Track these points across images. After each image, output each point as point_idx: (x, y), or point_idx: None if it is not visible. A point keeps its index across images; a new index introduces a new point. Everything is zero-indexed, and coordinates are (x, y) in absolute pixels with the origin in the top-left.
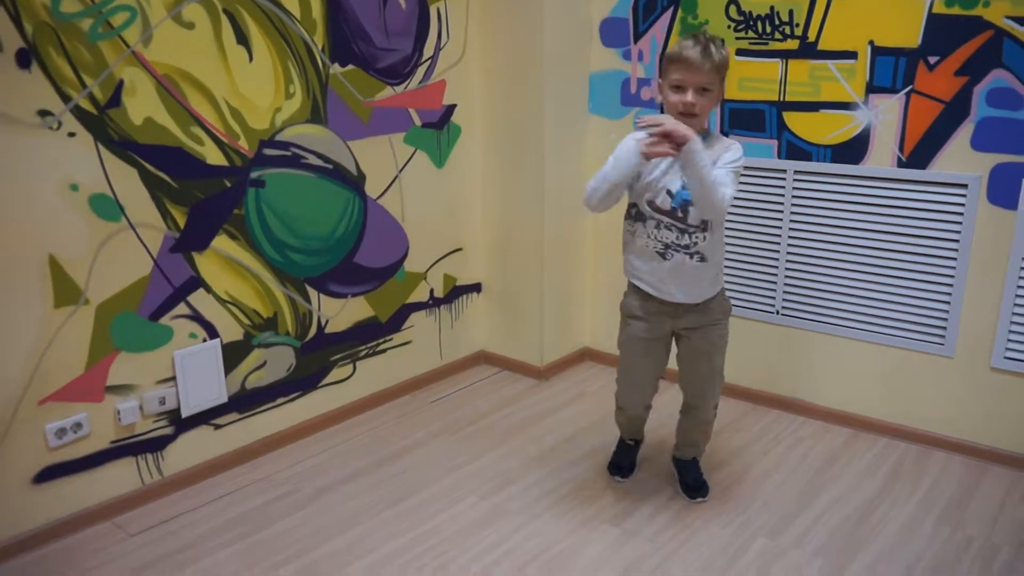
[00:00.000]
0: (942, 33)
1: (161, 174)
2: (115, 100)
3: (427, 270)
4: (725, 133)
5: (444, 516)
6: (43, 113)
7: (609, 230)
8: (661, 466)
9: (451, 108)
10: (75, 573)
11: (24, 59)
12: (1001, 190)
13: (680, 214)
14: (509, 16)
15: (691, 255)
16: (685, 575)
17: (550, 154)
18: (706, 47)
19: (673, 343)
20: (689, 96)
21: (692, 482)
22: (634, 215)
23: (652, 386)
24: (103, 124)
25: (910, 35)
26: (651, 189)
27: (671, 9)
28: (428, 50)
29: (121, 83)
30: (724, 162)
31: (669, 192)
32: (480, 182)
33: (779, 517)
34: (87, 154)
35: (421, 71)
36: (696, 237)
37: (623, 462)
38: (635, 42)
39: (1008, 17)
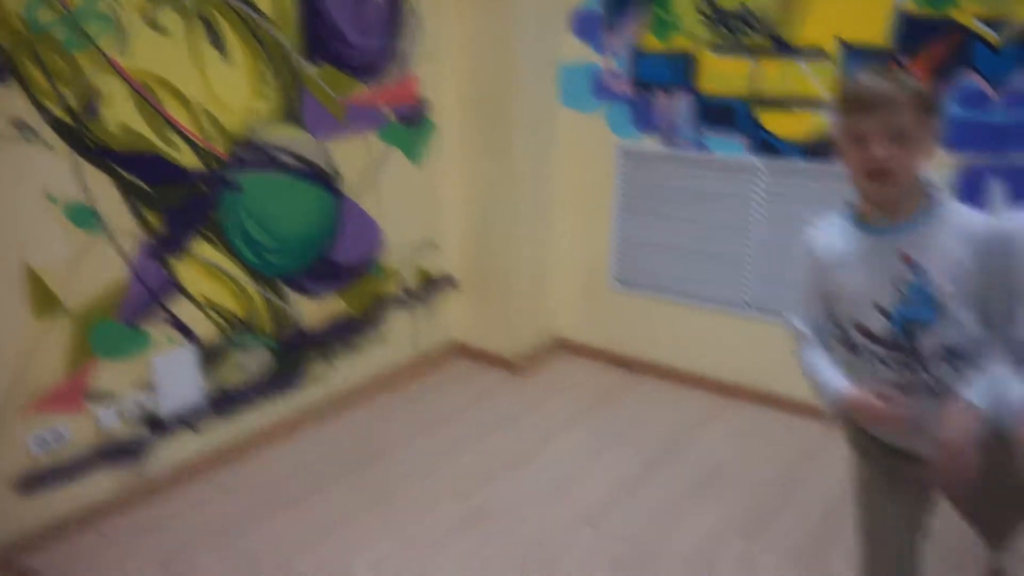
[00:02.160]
0: (913, 34)
1: (137, 181)
2: (91, 109)
3: (402, 265)
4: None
5: (422, 522)
6: (19, 125)
7: (583, 222)
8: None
9: (424, 103)
10: None
11: None
12: (969, 189)
13: (905, 341)
14: (481, 10)
15: (937, 395)
16: None
17: (520, 148)
18: (892, 77)
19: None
20: (876, 149)
21: None
22: (843, 342)
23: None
24: (79, 134)
25: (880, 34)
26: (855, 306)
27: (644, 2)
28: (401, 46)
29: (97, 92)
30: None
31: (882, 310)
32: (453, 177)
33: (757, 516)
34: (64, 164)
35: (395, 67)
36: (940, 371)
37: None
38: (607, 35)
39: (978, 18)
